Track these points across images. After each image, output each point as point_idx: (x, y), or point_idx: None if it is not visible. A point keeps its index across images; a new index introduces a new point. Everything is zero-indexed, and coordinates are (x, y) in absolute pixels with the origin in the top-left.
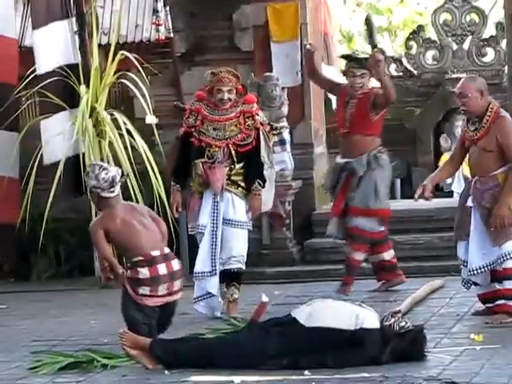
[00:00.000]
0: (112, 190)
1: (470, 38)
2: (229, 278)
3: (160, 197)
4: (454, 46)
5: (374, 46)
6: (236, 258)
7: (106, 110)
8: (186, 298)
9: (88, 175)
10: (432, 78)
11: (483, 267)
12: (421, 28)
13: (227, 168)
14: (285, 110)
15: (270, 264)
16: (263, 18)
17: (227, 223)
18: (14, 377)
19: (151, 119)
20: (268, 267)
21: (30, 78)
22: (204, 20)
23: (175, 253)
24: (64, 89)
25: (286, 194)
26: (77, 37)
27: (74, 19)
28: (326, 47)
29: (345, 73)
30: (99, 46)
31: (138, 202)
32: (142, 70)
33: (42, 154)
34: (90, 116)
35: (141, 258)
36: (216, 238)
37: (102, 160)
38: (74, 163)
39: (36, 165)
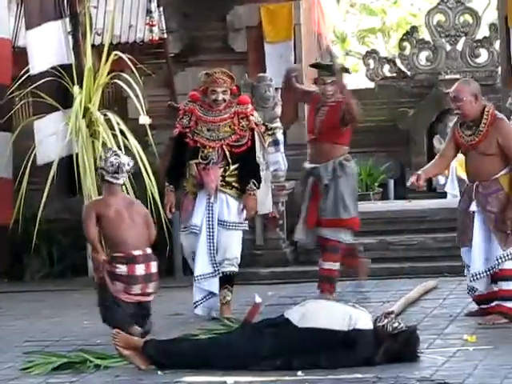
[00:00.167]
0: (116, 176)
1: (463, 39)
2: (222, 280)
3: (153, 197)
4: (448, 47)
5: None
6: (230, 260)
7: (99, 110)
8: (178, 298)
9: (100, 157)
10: (425, 79)
11: (484, 272)
12: (414, 29)
13: (222, 169)
14: (278, 110)
15: (264, 265)
16: (257, 18)
17: (222, 225)
18: (6, 377)
19: (144, 120)
20: (261, 268)
21: (23, 78)
22: (197, 21)
23: (168, 254)
24: (57, 89)
25: (280, 194)
26: (70, 37)
27: (67, 19)
28: (319, 48)
29: (315, 81)
30: (93, 46)
31: None
32: (135, 71)
33: (35, 155)
34: (84, 116)
35: (121, 255)
36: (213, 240)
37: (95, 161)
38: (68, 164)
39: (29, 165)
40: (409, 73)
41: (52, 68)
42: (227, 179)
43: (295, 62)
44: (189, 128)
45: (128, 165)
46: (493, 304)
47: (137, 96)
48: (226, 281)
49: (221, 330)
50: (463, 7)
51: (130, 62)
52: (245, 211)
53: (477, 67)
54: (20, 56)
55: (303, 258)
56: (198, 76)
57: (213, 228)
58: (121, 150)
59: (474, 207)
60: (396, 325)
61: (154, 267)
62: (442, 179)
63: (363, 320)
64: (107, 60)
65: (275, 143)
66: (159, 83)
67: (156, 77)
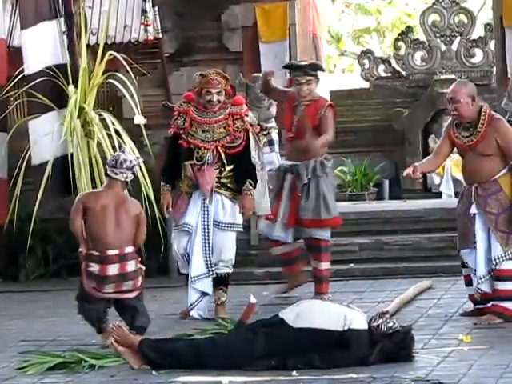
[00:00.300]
0: (113, 170)
1: (458, 38)
2: (216, 281)
3: (148, 197)
4: (443, 47)
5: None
6: (225, 262)
7: (94, 110)
8: (173, 298)
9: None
10: (420, 79)
11: (488, 274)
12: (409, 29)
13: (217, 170)
14: (273, 110)
15: (259, 265)
16: (252, 18)
17: (217, 225)
18: (1, 377)
19: (140, 119)
20: (256, 268)
21: (18, 78)
22: (193, 20)
23: (163, 253)
24: (52, 89)
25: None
26: (65, 37)
27: (62, 19)
28: (314, 48)
29: (290, 81)
30: (88, 46)
31: None
32: (130, 71)
33: (30, 155)
34: (79, 116)
35: (96, 253)
36: (208, 241)
37: (90, 161)
38: (63, 164)
39: (24, 165)
40: (404, 73)
41: (47, 68)
42: (222, 180)
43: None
44: (183, 129)
45: (130, 162)
46: (488, 304)
47: (132, 96)
48: (221, 282)
49: (216, 329)
50: (458, 7)
51: (124, 62)
52: (242, 212)
53: (472, 67)
54: (15, 56)
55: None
56: (192, 76)
57: (208, 229)
58: (116, 150)
59: (474, 210)
60: (391, 325)
61: (130, 266)
62: (437, 179)
63: (358, 320)
64: (102, 60)
65: (270, 143)
66: (154, 83)
67: (151, 76)
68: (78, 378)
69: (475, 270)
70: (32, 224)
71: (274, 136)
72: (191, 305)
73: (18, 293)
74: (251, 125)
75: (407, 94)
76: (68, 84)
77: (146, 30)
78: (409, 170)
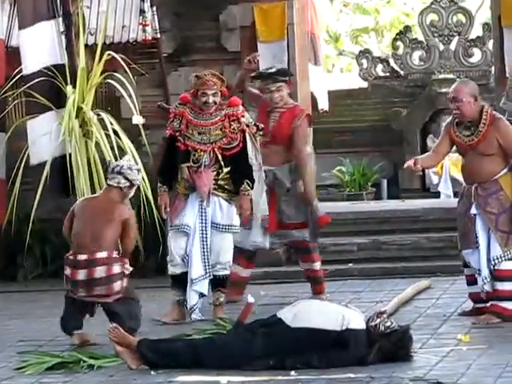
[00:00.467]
0: (108, 176)
1: (456, 38)
2: (215, 283)
3: (147, 197)
4: (441, 47)
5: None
6: (222, 264)
7: (92, 110)
8: (171, 298)
9: None
10: (419, 79)
11: (490, 274)
12: (408, 28)
13: (214, 173)
14: None
15: (257, 265)
16: (250, 18)
17: (214, 227)
18: (0, 377)
19: (138, 119)
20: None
21: (16, 78)
22: (191, 20)
23: (161, 253)
24: (50, 89)
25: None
26: (63, 37)
27: (60, 19)
28: (312, 47)
29: (261, 90)
30: (86, 46)
31: None
32: (128, 71)
33: (28, 155)
34: (77, 116)
35: (70, 257)
36: (206, 243)
37: (88, 161)
38: (61, 164)
39: (22, 165)
40: (402, 72)
41: (45, 68)
42: (220, 182)
43: (289, 62)
44: (179, 131)
45: (120, 167)
46: (488, 304)
47: (130, 96)
48: (219, 284)
49: (214, 330)
50: (456, 7)
51: (123, 62)
52: (240, 212)
53: (470, 67)
54: (13, 56)
55: (296, 258)
56: (190, 76)
57: (206, 231)
58: (114, 150)
59: (474, 210)
60: (388, 324)
61: (99, 272)
62: (435, 179)
63: (356, 320)
64: (100, 60)
65: None
66: (152, 83)
67: (149, 77)
68: (77, 377)
69: (479, 270)
70: (30, 224)
71: None
72: (192, 307)
73: (16, 293)
74: (247, 125)
75: (405, 94)
76: (66, 84)
77: (144, 30)
78: (409, 163)
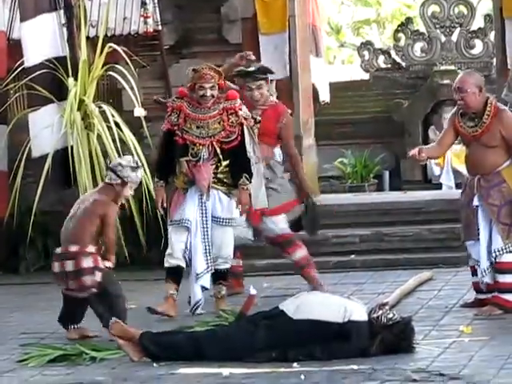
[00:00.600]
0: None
1: (458, 30)
2: (216, 276)
3: (149, 190)
4: (443, 38)
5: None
6: (223, 258)
7: (94, 102)
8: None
9: None
10: (420, 70)
11: (490, 266)
12: (409, 20)
13: (213, 166)
14: None
15: (260, 256)
16: (251, 10)
17: (215, 221)
18: (2, 369)
19: (139, 112)
20: (257, 259)
21: (18, 70)
22: (192, 12)
23: (163, 246)
24: (52, 81)
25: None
26: (65, 29)
27: (61, 12)
28: (314, 39)
29: (241, 87)
30: (87, 38)
31: None
32: (130, 63)
33: (30, 147)
34: (79, 109)
35: (54, 251)
36: (208, 237)
37: (90, 153)
38: (63, 156)
39: (24, 158)
40: (404, 64)
41: (46, 60)
42: (219, 176)
43: (290, 54)
44: (177, 125)
45: (114, 164)
46: (489, 295)
47: (132, 88)
48: (220, 277)
49: (216, 322)
50: None
51: (124, 54)
52: (239, 206)
53: (472, 58)
54: (14, 48)
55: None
56: (186, 71)
57: (207, 225)
58: (116, 142)
59: (476, 201)
60: (391, 316)
61: (69, 265)
62: (437, 170)
63: (358, 312)
64: (102, 52)
65: None
66: (154, 75)
67: (151, 69)
68: (79, 370)
69: (478, 262)
70: (32, 216)
71: None
72: (197, 302)
73: (18, 285)
74: (245, 119)
75: (407, 86)
76: (68, 76)
77: (145, 22)
78: (414, 151)
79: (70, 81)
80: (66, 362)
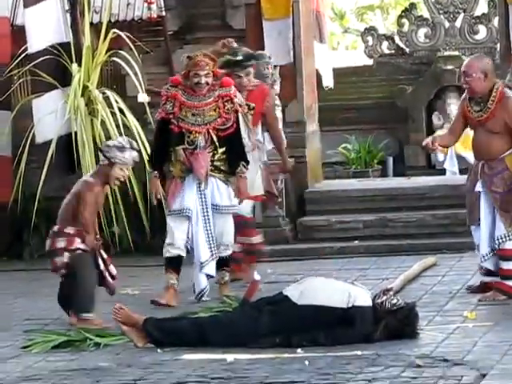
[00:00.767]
0: None
1: (462, 15)
2: (219, 263)
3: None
4: (446, 24)
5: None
6: (225, 245)
7: (97, 88)
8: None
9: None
10: (424, 56)
11: (491, 252)
12: (413, 6)
13: (210, 154)
14: (277, 88)
15: (264, 242)
16: None
17: (214, 209)
18: (6, 355)
19: (143, 97)
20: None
21: (21, 56)
22: None
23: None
24: (56, 67)
25: (279, 172)
26: (68, 15)
27: None
28: (317, 25)
29: (229, 75)
30: (91, 24)
31: (130, 180)
32: (133, 49)
33: (34, 133)
34: (82, 95)
35: None
36: (210, 225)
37: (93, 139)
38: (66, 142)
39: (28, 144)
40: (407, 50)
41: (50, 46)
42: (216, 163)
43: (294, 40)
44: (173, 114)
45: (102, 145)
46: (494, 278)
47: (135, 74)
48: (223, 264)
49: (220, 307)
50: None
51: (128, 40)
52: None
53: (476, 44)
54: (18, 34)
55: (302, 236)
56: (181, 59)
57: (208, 213)
58: (119, 128)
59: (479, 187)
60: (395, 301)
61: (47, 245)
62: (441, 156)
63: (362, 297)
64: (105, 38)
65: None
66: (158, 61)
67: (154, 54)
68: (83, 356)
69: (478, 246)
70: (36, 202)
71: (278, 113)
72: (202, 290)
73: (22, 271)
74: (240, 105)
75: (411, 71)
76: (71, 62)
77: (149, 8)
78: (428, 140)
79: (74, 67)
80: (70, 348)
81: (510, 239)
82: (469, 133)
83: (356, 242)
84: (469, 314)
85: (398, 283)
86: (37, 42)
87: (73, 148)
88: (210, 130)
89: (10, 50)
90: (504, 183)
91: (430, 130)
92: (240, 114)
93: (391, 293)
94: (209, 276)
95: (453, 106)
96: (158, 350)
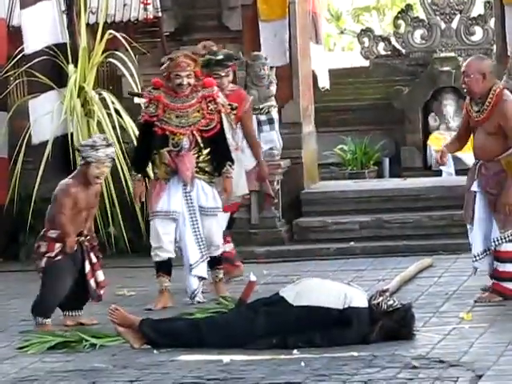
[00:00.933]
0: None
1: (458, 16)
2: (211, 262)
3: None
4: (443, 25)
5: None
6: (215, 246)
7: (94, 89)
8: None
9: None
10: (420, 57)
11: (484, 252)
12: (409, 7)
13: (195, 155)
14: (273, 89)
15: (259, 243)
16: None
17: (201, 211)
18: (2, 356)
19: (139, 99)
20: (257, 246)
21: (18, 57)
22: None
23: None
24: (52, 68)
25: (275, 172)
26: (65, 16)
27: None
28: (314, 26)
29: (208, 75)
30: (87, 25)
31: (126, 181)
32: (130, 50)
33: (30, 134)
34: (78, 95)
35: None
36: (198, 227)
37: None
38: (63, 143)
39: (24, 145)
40: (404, 51)
41: (46, 47)
42: (200, 165)
43: (290, 41)
44: (156, 116)
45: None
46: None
47: (131, 75)
48: (215, 263)
49: (217, 308)
50: None
51: (124, 41)
52: (223, 195)
53: (472, 45)
54: (14, 35)
55: (298, 237)
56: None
57: (195, 214)
58: (116, 129)
59: (475, 187)
60: (391, 303)
61: (34, 247)
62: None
63: (358, 298)
64: (102, 39)
65: (270, 122)
66: (154, 62)
67: (151, 55)
68: (79, 357)
69: (470, 245)
70: (32, 203)
71: (274, 114)
72: (193, 292)
73: (18, 272)
74: (223, 105)
75: (407, 72)
76: (68, 63)
77: (145, 9)
78: (437, 157)
79: (70, 67)
80: (66, 349)
81: (505, 241)
82: None
83: (352, 243)
84: (465, 316)
85: (394, 284)
86: (33, 42)
87: (69, 149)
88: (195, 132)
89: (7, 51)
90: (499, 185)
91: (427, 131)
92: (223, 115)
93: (387, 294)
94: (201, 278)
95: (449, 107)
96: (155, 351)
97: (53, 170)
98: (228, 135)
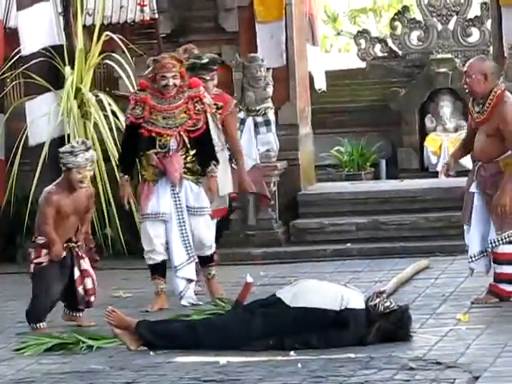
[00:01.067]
0: None
1: (454, 18)
2: (203, 261)
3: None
4: (439, 27)
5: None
6: (207, 246)
7: (90, 91)
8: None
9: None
10: (417, 59)
11: (480, 253)
12: (406, 8)
13: (183, 156)
14: (270, 90)
15: (256, 245)
16: None
17: (190, 211)
18: None
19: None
20: (253, 248)
21: (14, 59)
22: (188, 0)
23: None
24: (49, 70)
25: (272, 174)
26: (61, 18)
27: (58, 0)
28: (310, 28)
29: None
30: (84, 26)
31: None
32: (126, 51)
33: (27, 136)
34: (75, 97)
35: None
36: (185, 228)
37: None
38: (59, 145)
39: (21, 146)
40: (400, 52)
41: (43, 49)
42: (188, 165)
43: (286, 42)
44: (142, 118)
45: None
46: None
47: (128, 76)
48: (208, 260)
49: (213, 310)
50: None
51: (121, 43)
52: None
53: (468, 46)
54: (11, 37)
55: (295, 238)
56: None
57: (183, 216)
58: (112, 130)
59: (473, 188)
60: (388, 304)
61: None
62: (433, 159)
63: (355, 299)
64: (98, 40)
65: (267, 123)
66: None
67: (147, 57)
68: (76, 358)
69: (466, 246)
70: (29, 205)
71: (271, 116)
72: (180, 293)
73: (15, 274)
74: (209, 106)
75: (404, 74)
76: (64, 65)
77: (142, 11)
78: (444, 172)
79: (67, 69)
80: (63, 350)
81: (502, 243)
82: (459, 136)
83: (349, 244)
84: (462, 317)
85: (390, 286)
86: (30, 44)
87: None
88: (182, 133)
89: (3, 53)
90: (497, 187)
91: (423, 133)
92: (209, 115)
93: (384, 295)
94: (189, 280)
95: (446, 108)
96: (151, 353)
97: (49, 171)
98: (214, 136)
